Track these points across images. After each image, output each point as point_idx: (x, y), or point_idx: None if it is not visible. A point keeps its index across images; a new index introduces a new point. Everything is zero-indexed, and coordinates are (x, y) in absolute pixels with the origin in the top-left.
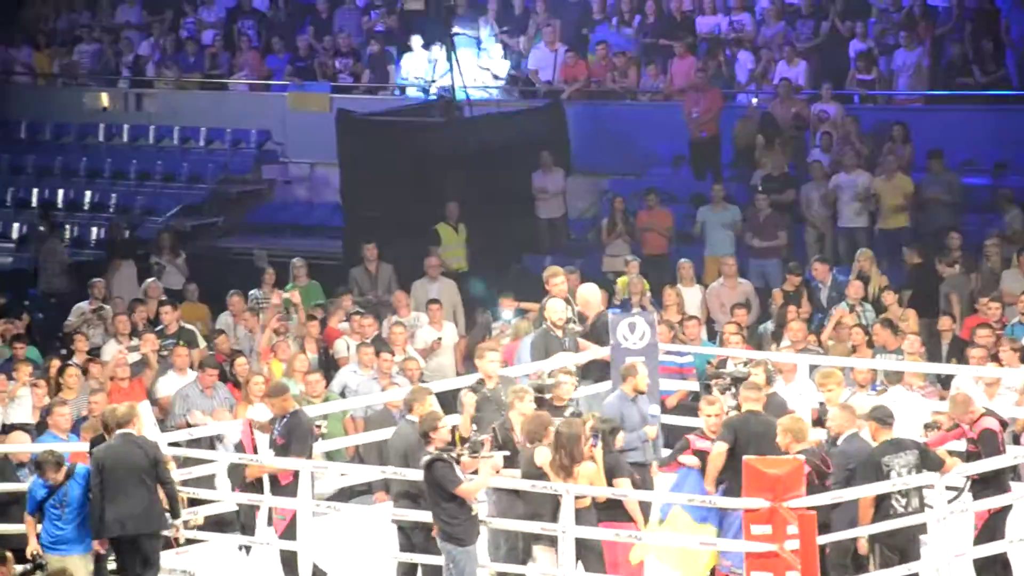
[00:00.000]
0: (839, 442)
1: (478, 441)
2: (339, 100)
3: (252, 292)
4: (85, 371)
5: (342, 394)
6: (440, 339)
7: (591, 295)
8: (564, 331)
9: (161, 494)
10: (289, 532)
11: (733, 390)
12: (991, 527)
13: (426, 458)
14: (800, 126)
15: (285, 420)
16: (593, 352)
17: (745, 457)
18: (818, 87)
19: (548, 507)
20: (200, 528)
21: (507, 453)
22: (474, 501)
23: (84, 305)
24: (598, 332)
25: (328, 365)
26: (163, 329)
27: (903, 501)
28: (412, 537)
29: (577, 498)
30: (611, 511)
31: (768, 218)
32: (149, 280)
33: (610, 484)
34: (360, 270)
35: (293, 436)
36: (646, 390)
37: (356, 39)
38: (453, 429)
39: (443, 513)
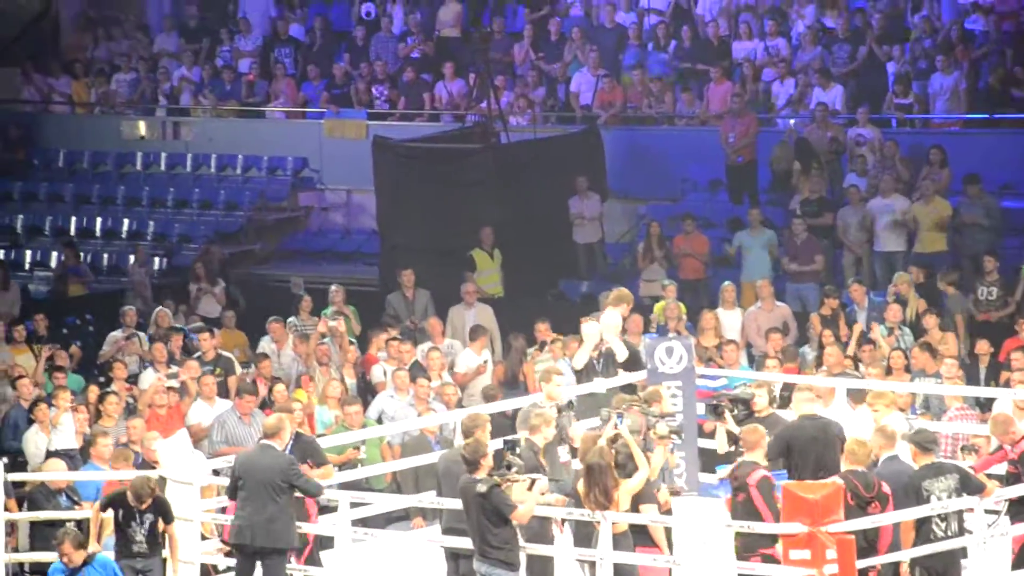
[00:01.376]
0: (878, 464)
1: (521, 464)
2: (375, 127)
3: (290, 320)
4: (135, 399)
5: (379, 420)
6: (485, 363)
7: (589, 331)
8: (599, 354)
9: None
10: (312, 558)
11: (735, 412)
12: None
13: (482, 485)
14: (837, 150)
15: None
16: (629, 376)
17: (783, 482)
18: (855, 111)
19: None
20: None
21: (538, 476)
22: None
23: (117, 333)
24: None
25: (366, 391)
26: (201, 356)
27: (943, 525)
28: (461, 566)
29: (614, 523)
30: (642, 535)
31: (805, 242)
32: (157, 309)
33: (635, 510)
34: (397, 296)
35: (311, 457)
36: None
37: (392, 66)
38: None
39: (495, 539)
